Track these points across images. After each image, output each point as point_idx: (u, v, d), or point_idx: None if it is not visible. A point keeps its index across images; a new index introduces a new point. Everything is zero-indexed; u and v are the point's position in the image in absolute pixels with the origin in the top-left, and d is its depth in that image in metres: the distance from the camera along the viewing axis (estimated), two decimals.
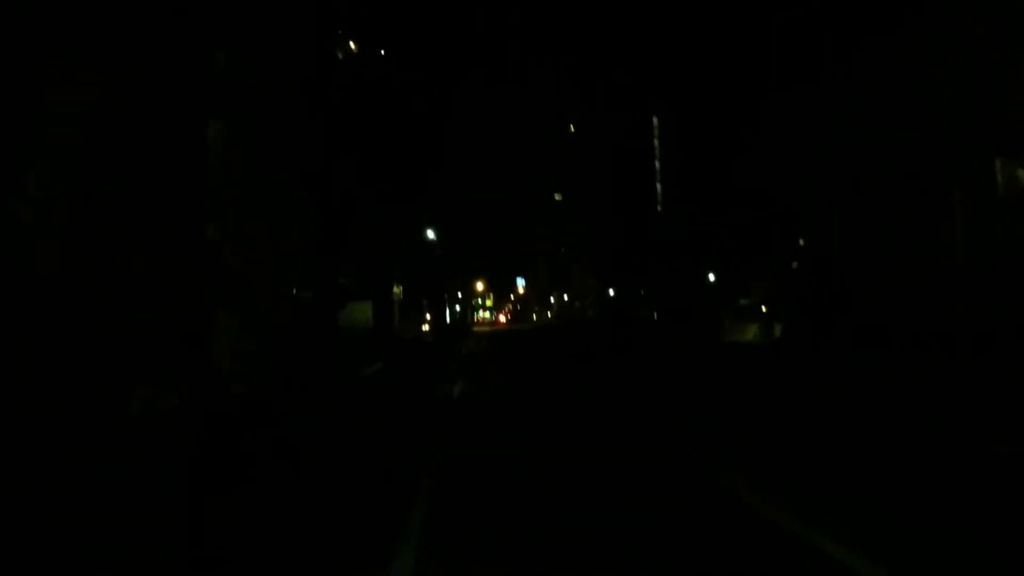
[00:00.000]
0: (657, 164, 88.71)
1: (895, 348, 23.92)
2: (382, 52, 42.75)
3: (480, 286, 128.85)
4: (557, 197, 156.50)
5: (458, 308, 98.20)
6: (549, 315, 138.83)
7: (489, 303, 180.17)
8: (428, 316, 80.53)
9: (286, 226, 19.63)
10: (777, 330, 38.66)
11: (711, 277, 53.18)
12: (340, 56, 32.18)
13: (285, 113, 19.61)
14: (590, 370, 25.94)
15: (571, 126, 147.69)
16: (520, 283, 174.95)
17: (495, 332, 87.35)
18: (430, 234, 59.07)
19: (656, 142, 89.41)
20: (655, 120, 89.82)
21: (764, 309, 40.74)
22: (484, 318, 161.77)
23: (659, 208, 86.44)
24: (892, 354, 22.63)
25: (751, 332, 40.57)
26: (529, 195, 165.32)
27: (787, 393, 16.62)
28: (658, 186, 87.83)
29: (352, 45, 34.12)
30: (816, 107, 36.82)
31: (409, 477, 9.24)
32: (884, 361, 21.43)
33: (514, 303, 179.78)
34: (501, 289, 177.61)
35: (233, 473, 9.82)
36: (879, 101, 31.57)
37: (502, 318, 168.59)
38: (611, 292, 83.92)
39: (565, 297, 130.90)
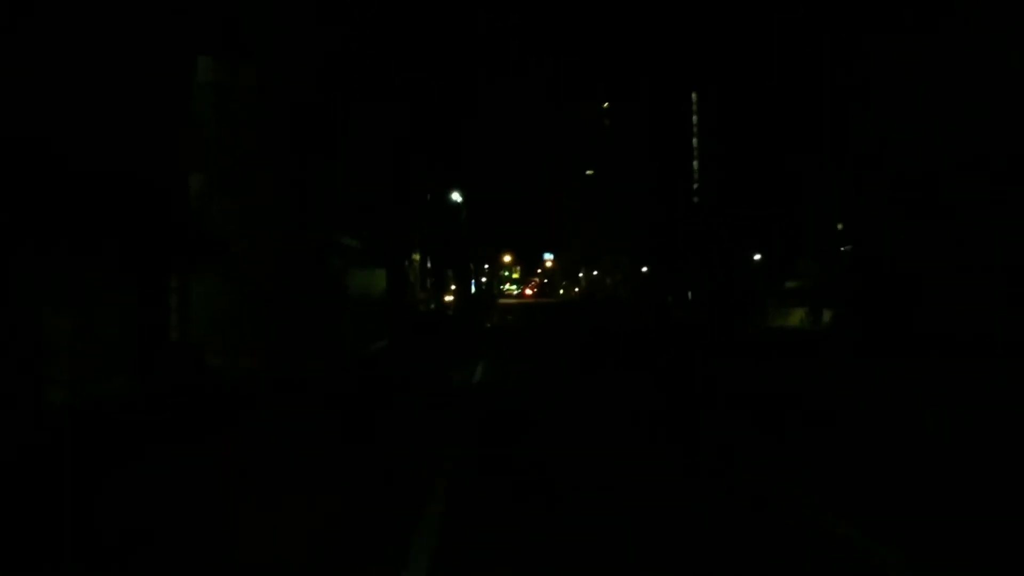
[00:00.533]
0: (695, 141, 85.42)
1: (963, 351, 21.03)
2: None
3: (508, 258, 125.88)
4: (588, 172, 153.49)
5: (484, 280, 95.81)
6: (577, 290, 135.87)
7: (516, 276, 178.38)
8: (452, 287, 78.18)
9: (280, 181, 16.95)
10: (826, 316, 35.74)
11: (756, 257, 50.00)
12: None
13: (283, 44, 16.87)
14: (628, 357, 23.30)
15: (605, 103, 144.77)
16: (548, 257, 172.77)
17: (522, 305, 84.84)
18: (455, 196, 55.86)
19: (695, 118, 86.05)
20: (694, 96, 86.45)
21: (810, 295, 37.80)
22: (510, 291, 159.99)
23: (695, 186, 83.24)
24: (964, 359, 19.63)
25: (797, 317, 37.65)
26: (560, 170, 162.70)
27: (855, 399, 13.71)
28: (695, 164, 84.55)
29: None
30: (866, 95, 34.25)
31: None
32: (955, 365, 18.44)
33: (541, 277, 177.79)
34: (528, 263, 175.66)
35: None
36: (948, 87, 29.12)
37: (528, 291, 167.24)
38: (644, 270, 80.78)
39: (595, 273, 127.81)
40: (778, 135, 52.89)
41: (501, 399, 14.23)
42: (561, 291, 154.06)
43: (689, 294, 65.30)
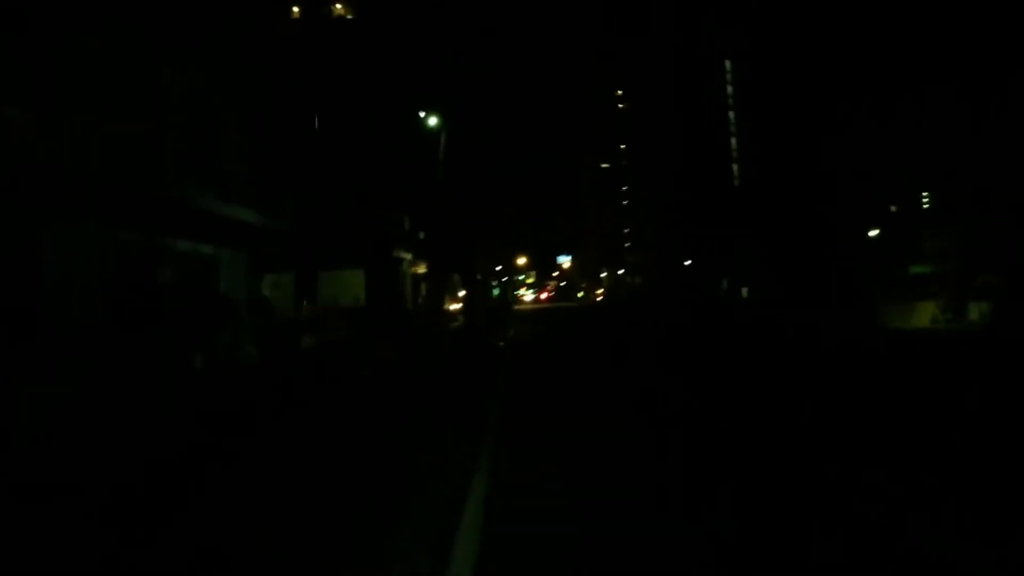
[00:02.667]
0: (732, 115, 75.13)
1: None
2: None
3: (523, 260, 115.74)
4: (604, 165, 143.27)
5: (495, 284, 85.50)
6: (600, 293, 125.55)
7: (531, 280, 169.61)
8: (461, 293, 67.86)
9: None
10: (974, 311, 25.59)
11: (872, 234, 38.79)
12: None
13: None
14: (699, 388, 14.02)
15: (619, 91, 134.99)
16: (564, 260, 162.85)
17: (539, 312, 74.39)
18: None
19: (730, 89, 75.75)
20: (728, 64, 76.17)
21: (947, 282, 27.68)
22: (525, 296, 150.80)
23: (735, 166, 72.97)
24: None
25: (926, 314, 27.44)
26: (573, 165, 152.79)
27: None
28: (733, 140, 74.26)
29: None
30: None
31: None
32: None
33: (557, 280, 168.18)
34: (542, 266, 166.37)
35: None
36: None
37: (544, 295, 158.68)
38: (687, 263, 70.01)
39: (620, 272, 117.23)
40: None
41: None
42: (580, 294, 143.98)
43: (743, 290, 55.00)
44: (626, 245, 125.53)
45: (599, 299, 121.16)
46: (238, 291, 15.64)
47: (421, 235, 40.59)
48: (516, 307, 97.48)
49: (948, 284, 27.87)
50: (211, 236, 13.83)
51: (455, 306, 64.11)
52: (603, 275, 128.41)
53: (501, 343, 29.15)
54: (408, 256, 35.95)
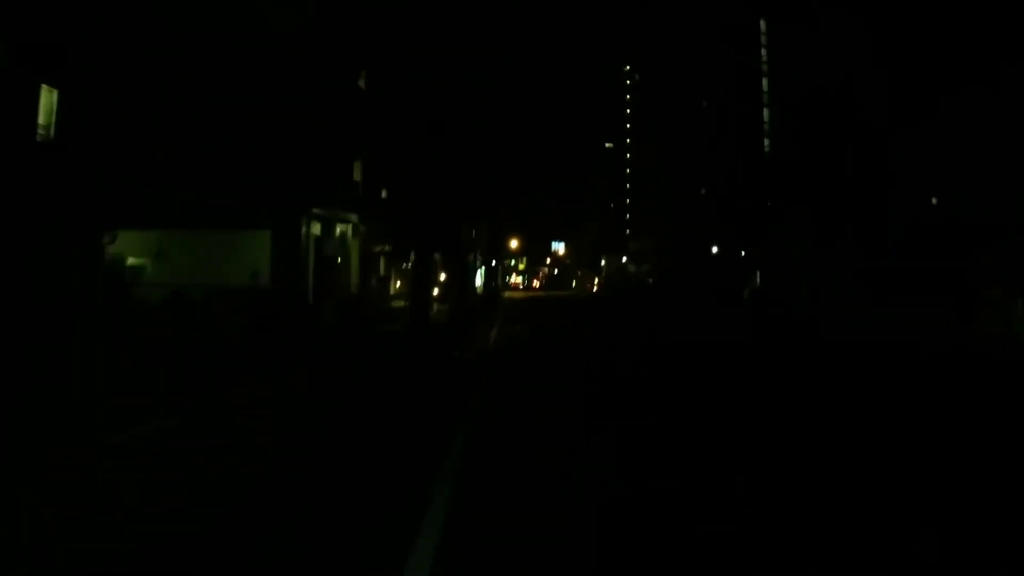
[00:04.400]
0: (765, 83, 64.55)
1: None
2: None
3: (515, 243, 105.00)
4: (608, 145, 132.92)
5: (480, 269, 74.54)
6: (597, 281, 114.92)
7: (521, 267, 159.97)
8: (442, 278, 57.19)
9: None
10: None
11: None
12: None
13: None
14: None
15: (627, 65, 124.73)
16: (557, 246, 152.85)
17: (532, 302, 63.65)
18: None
19: (764, 53, 65.15)
20: (763, 24, 65.58)
21: None
22: (517, 282, 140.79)
23: (766, 140, 62.49)
24: None
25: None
26: (574, 144, 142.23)
27: None
28: (766, 111, 63.72)
29: None
30: None
31: None
32: None
33: (551, 266, 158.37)
34: (537, 251, 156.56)
35: None
36: None
37: (536, 283, 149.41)
38: (714, 250, 58.89)
39: (624, 260, 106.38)
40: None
41: None
42: (574, 283, 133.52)
43: (805, 288, 44.47)
44: (627, 232, 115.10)
45: (595, 289, 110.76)
46: None
47: (383, 193, 30.02)
48: (507, 294, 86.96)
49: None
50: None
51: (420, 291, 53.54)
52: (603, 263, 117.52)
53: (490, 341, 18.52)
54: (353, 220, 25.34)
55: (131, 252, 20.36)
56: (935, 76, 29.63)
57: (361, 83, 26.41)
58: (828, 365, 17.24)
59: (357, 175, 26.16)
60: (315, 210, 20.52)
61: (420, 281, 26.70)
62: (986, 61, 27.42)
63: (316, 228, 21.57)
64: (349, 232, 25.44)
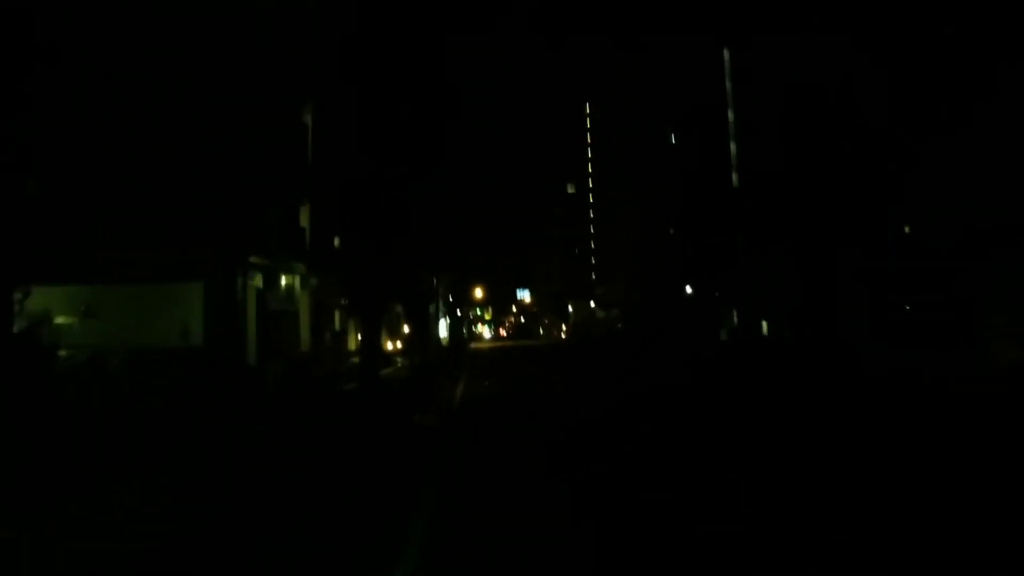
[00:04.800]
0: (731, 114, 63.05)
1: None
2: None
3: (479, 293, 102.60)
4: (570, 189, 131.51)
5: (444, 320, 71.80)
6: (564, 330, 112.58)
7: (488, 316, 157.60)
8: (406, 330, 54.50)
9: None
10: None
11: None
12: None
13: None
14: None
15: (587, 105, 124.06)
16: (522, 294, 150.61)
17: (500, 353, 60.97)
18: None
19: (728, 84, 63.74)
20: (726, 54, 64.27)
21: None
22: (481, 332, 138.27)
23: (734, 174, 60.81)
24: None
25: None
26: (533, 190, 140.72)
27: None
28: (732, 145, 62.12)
29: None
30: None
31: None
32: None
33: (517, 315, 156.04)
34: (499, 301, 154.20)
35: None
36: None
37: (503, 332, 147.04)
38: (688, 290, 56.42)
39: (592, 305, 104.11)
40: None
41: None
42: (541, 330, 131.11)
43: (764, 323, 42.39)
44: (593, 277, 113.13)
45: (564, 336, 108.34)
46: None
47: (336, 242, 27.50)
48: (474, 345, 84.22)
49: None
50: None
51: (391, 345, 50.85)
52: (570, 309, 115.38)
53: (439, 412, 15.80)
54: (301, 270, 22.76)
55: (60, 310, 17.60)
56: (940, 77, 27.72)
57: (307, 119, 23.94)
58: (836, 412, 14.86)
59: (304, 221, 23.60)
60: (254, 259, 17.87)
61: (369, 339, 24.07)
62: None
63: (258, 280, 18.99)
64: (297, 284, 22.84)
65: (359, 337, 46.51)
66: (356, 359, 39.19)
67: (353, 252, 25.67)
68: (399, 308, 51.43)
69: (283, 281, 21.17)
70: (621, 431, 13.56)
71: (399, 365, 36.50)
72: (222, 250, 16.71)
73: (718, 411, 15.82)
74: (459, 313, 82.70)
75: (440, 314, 68.42)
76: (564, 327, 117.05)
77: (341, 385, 22.82)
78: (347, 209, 23.89)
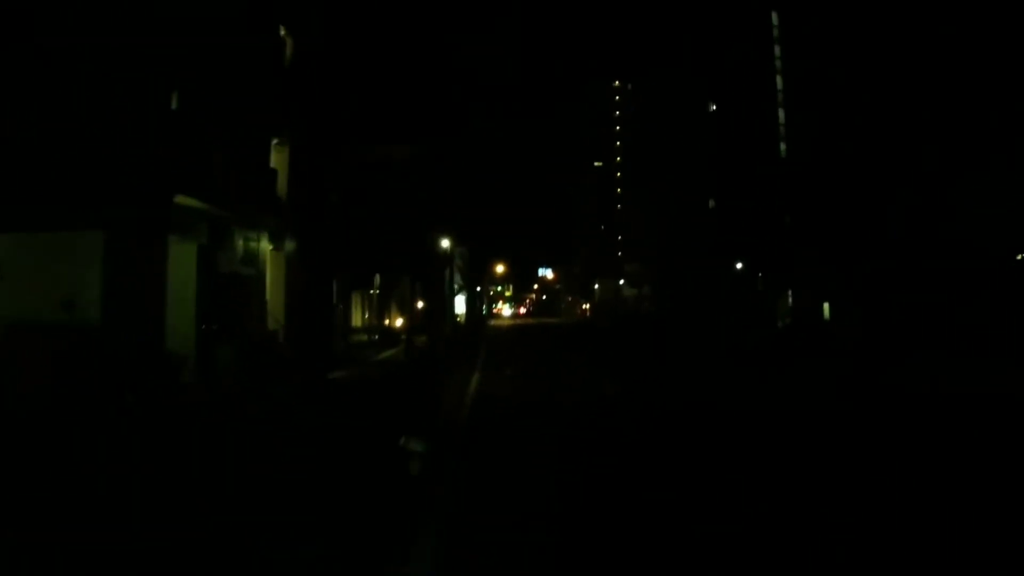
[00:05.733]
0: (779, 80, 57.44)
1: None
2: None
3: (500, 268, 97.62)
4: (597, 164, 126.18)
5: (460, 296, 66.48)
6: (587, 307, 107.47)
7: (508, 293, 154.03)
8: (420, 306, 49.51)
9: None
10: None
11: None
12: None
13: None
14: None
15: (616, 81, 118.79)
16: (544, 272, 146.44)
17: (520, 332, 55.93)
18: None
19: (777, 48, 58.08)
20: (775, 16, 58.57)
21: None
22: (501, 310, 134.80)
23: (782, 144, 55.36)
24: None
25: None
26: (561, 166, 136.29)
27: None
28: (780, 112, 56.57)
29: None
30: None
31: None
32: None
33: (538, 292, 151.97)
34: (523, 278, 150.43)
35: None
36: None
37: (522, 310, 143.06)
38: (739, 266, 50.46)
39: (622, 282, 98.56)
40: None
41: None
42: (563, 307, 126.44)
43: (826, 306, 37.03)
44: (619, 254, 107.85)
45: (587, 315, 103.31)
46: None
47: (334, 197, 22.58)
48: (493, 323, 79.40)
49: None
50: None
51: (398, 321, 46.00)
52: (596, 287, 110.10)
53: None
54: (271, 227, 17.76)
55: None
56: None
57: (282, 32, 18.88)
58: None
59: (279, 163, 18.55)
60: (187, 200, 12.64)
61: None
62: None
63: (201, 236, 13.98)
64: (265, 244, 17.80)
65: (364, 315, 41.76)
66: (359, 336, 34.35)
67: (350, 213, 20.67)
68: (407, 278, 46.40)
69: (242, 241, 16.16)
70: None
71: (403, 347, 31.31)
72: (136, 185, 11.70)
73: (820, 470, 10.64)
74: (479, 289, 77.87)
75: (458, 289, 63.60)
76: (587, 306, 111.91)
77: (324, 373, 17.88)
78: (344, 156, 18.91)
